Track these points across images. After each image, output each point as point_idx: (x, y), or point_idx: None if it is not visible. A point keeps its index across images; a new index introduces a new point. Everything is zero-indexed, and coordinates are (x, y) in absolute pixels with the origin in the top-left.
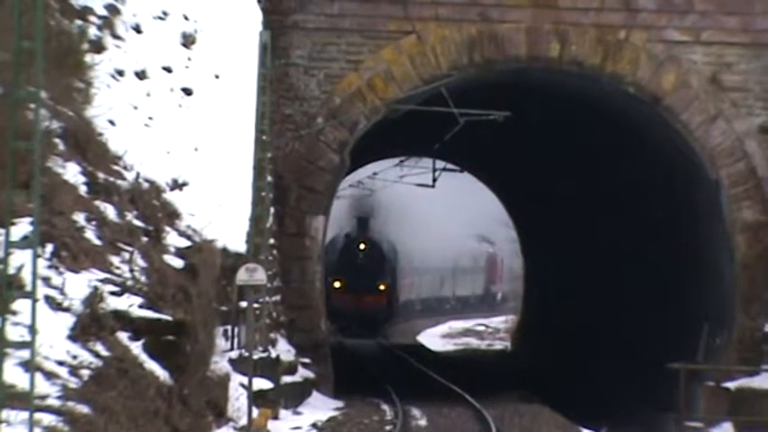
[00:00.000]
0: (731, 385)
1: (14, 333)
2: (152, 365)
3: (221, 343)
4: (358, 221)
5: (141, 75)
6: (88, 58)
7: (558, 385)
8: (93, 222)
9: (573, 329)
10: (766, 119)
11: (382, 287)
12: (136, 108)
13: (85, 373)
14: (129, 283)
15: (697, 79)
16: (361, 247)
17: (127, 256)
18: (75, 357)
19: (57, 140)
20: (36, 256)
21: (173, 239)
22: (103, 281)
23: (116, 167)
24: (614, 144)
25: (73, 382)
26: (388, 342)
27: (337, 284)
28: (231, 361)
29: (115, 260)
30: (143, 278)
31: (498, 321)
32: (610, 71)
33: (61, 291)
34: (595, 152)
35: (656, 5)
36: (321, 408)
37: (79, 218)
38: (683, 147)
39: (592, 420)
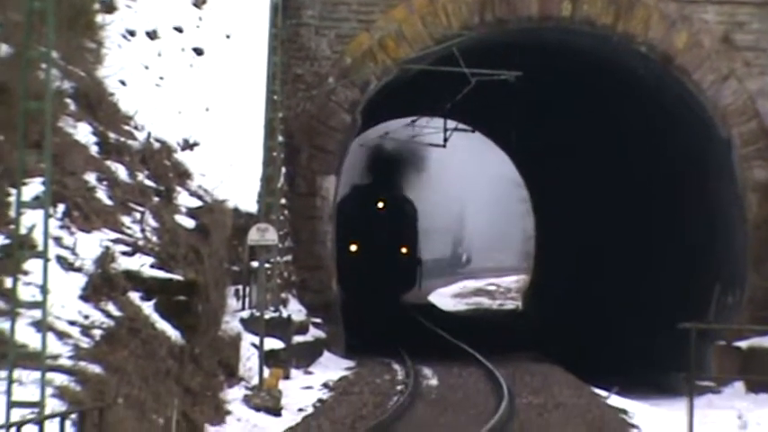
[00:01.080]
0: (742, 344)
1: (26, 293)
2: (163, 325)
3: (233, 303)
4: (375, 176)
5: (152, 35)
6: (99, 18)
7: (570, 345)
8: (105, 182)
9: (584, 289)
10: None
11: (404, 250)
12: (147, 68)
13: (97, 332)
14: (141, 243)
15: (709, 39)
16: (379, 205)
17: (138, 216)
18: (86, 317)
19: (68, 100)
20: (47, 216)
21: (184, 199)
22: (115, 241)
23: (127, 127)
24: (626, 103)
25: (85, 342)
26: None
27: (354, 247)
28: (242, 321)
29: (126, 220)
30: (154, 238)
31: (510, 281)
32: (622, 30)
33: (73, 251)
34: (607, 112)
35: None
36: (332, 367)
37: (90, 178)
38: (694, 106)
39: (603, 380)
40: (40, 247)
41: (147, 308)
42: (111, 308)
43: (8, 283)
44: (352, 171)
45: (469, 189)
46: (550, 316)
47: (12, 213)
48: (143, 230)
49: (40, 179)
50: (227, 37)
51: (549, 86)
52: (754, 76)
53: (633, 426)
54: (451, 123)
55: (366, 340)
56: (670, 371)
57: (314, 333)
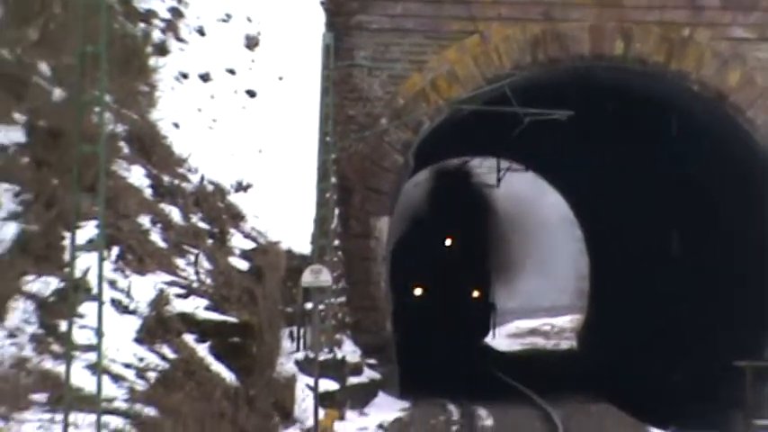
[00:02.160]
0: None
1: (81, 336)
2: (218, 367)
3: (287, 344)
4: (442, 211)
5: (205, 77)
6: (152, 61)
7: (625, 384)
8: (159, 225)
9: (639, 328)
10: None
11: (476, 293)
12: (200, 110)
13: (152, 375)
14: (195, 285)
15: (762, 76)
16: (447, 242)
17: (192, 258)
18: (141, 360)
19: (121, 144)
20: (102, 259)
21: (237, 241)
22: (169, 283)
23: (180, 170)
24: (679, 142)
25: (140, 385)
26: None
27: (418, 291)
28: (297, 362)
29: (180, 262)
30: (208, 280)
31: (565, 321)
32: (674, 69)
33: (127, 293)
34: (660, 151)
35: (721, 3)
36: (387, 408)
37: (144, 221)
38: (748, 143)
39: (660, 419)
40: (95, 291)
41: (202, 350)
42: (165, 350)
43: (63, 326)
44: (410, 208)
45: (523, 228)
46: (606, 355)
47: (66, 257)
48: (197, 273)
49: (94, 222)
50: (280, 79)
51: (602, 126)
52: None
53: None
54: (505, 163)
55: (422, 380)
56: (728, 410)
57: (368, 374)
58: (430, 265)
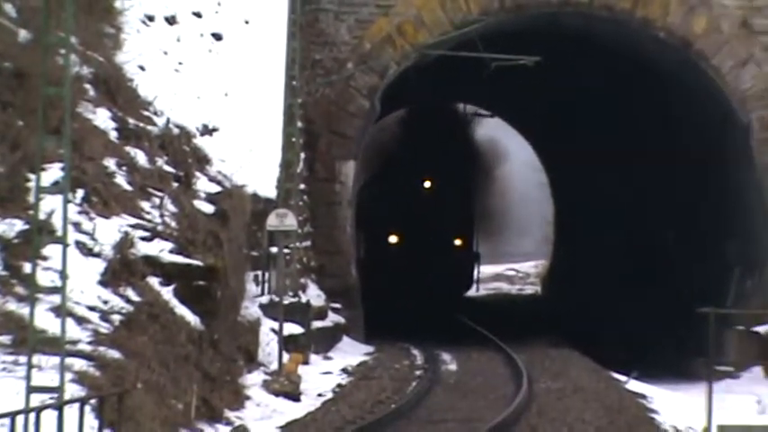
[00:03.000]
0: (761, 330)
1: (45, 278)
2: (183, 311)
3: (252, 288)
4: (419, 152)
5: (171, 20)
6: (118, 3)
7: (588, 330)
8: (124, 168)
9: (603, 274)
10: None
11: (459, 242)
12: (166, 53)
13: (116, 318)
14: (160, 228)
15: (728, 23)
16: (426, 185)
17: (157, 201)
18: (105, 302)
19: (87, 86)
20: (67, 201)
21: (203, 185)
22: (134, 226)
23: (146, 113)
24: (645, 89)
25: (104, 328)
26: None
27: (394, 239)
28: (262, 306)
29: (146, 205)
30: (173, 223)
31: (529, 266)
32: (640, 16)
33: (92, 236)
34: (626, 98)
35: None
36: (352, 353)
37: (109, 163)
38: (713, 91)
39: (622, 365)
40: (60, 233)
41: (167, 293)
42: (130, 293)
43: (27, 268)
44: (383, 151)
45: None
46: (569, 301)
47: (31, 199)
48: (162, 216)
49: (59, 165)
50: (246, 22)
51: (568, 73)
52: None
53: (652, 410)
54: (471, 108)
55: (385, 324)
56: (689, 356)
57: (333, 318)
58: (406, 211)
